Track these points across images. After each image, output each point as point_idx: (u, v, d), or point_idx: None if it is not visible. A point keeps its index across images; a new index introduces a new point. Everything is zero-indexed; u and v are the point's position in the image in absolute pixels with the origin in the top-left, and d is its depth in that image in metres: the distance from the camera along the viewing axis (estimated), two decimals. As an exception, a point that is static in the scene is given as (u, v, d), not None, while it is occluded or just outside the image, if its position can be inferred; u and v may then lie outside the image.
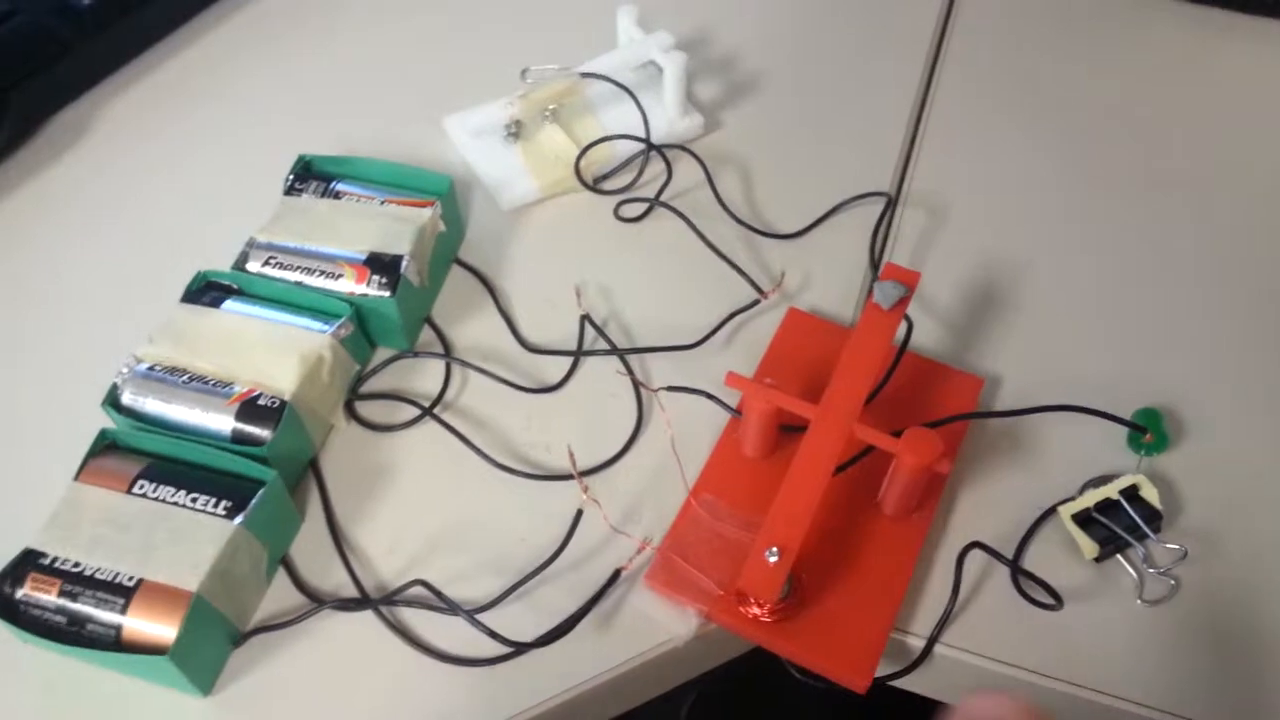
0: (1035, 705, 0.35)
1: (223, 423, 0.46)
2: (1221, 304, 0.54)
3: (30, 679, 0.44)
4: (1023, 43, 0.67)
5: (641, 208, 0.59)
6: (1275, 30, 0.67)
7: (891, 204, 0.58)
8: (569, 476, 0.48)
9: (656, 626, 0.45)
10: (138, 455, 0.46)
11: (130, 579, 0.42)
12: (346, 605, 0.45)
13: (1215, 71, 0.65)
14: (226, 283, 0.52)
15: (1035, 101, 0.64)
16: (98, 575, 0.42)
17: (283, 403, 0.46)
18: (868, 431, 0.44)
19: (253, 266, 0.52)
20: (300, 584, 0.46)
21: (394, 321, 0.51)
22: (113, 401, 0.47)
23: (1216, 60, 0.65)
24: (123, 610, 0.41)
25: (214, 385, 0.47)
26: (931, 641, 0.44)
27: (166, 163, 0.62)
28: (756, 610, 0.43)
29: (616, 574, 0.45)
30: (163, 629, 0.41)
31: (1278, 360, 0.52)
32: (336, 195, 0.55)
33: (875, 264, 0.56)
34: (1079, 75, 0.65)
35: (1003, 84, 0.65)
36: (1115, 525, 0.45)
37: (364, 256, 0.51)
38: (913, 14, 0.69)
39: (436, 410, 0.51)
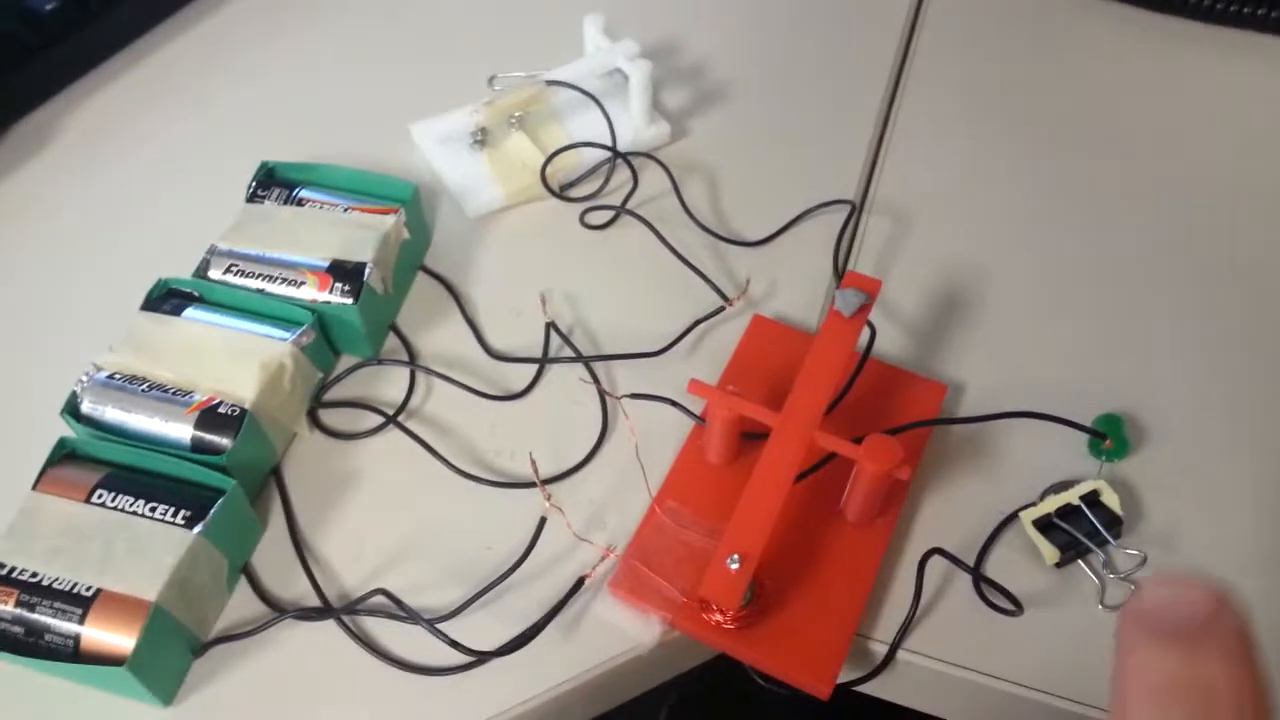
0: (1215, 585, 0.33)
1: (182, 431, 0.46)
2: (1182, 310, 0.55)
3: (-14, 691, 0.43)
4: (988, 51, 0.68)
5: (608, 215, 0.59)
6: (1239, 40, 0.67)
7: (855, 211, 0.58)
8: (533, 484, 0.48)
9: (620, 634, 0.44)
10: (96, 464, 0.46)
11: (88, 589, 0.41)
12: (308, 615, 0.45)
13: (1179, 80, 0.66)
14: (188, 290, 0.51)
15: (1000, 109, 0.64)
16: (55, 585, 0.42)
17: (243, 411, 0.46)
18: (829, 439, 0.44)
19: (214, 274, 0.52)
20: (262, 593, 0.46)
21: (357, 329, 0.51)
22: (71, 410, 0.47)
23: (1181, 69, 0.66)
24: (81, 620, 0.41)
25: (174, 394, 0.47)
26: (894, 647, 0.44)
27: (130, 169, 0.62)
28: (719, 617, 0.43)
29: (580, 582, 0.45)
30: (121, 639, 0.40)
31: (1237, 365, 0.52)
32: (299, 202, 0.55)
33: (839, 271, 0.56)
34: (1044, 83, 0.66)
35: (968, 92, 0.65)
36: (1076, 531, 0.45)
37: (327, 264, 0.51)
38: (879, 22, 0.70)
39: (401, 418, 0.51)
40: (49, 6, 0.63)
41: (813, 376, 0.46)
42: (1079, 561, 0.46)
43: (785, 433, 0.44)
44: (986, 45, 0.68)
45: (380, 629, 0.45)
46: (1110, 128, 0.63)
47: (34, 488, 0.45)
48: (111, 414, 0.47)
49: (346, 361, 0.53)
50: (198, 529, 0.43)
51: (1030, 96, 0.65)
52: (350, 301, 0.50)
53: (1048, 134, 0.63)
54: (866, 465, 0.43)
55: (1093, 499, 0.46)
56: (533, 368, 0.53)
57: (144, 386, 0.47)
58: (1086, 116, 0.64)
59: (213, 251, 0.52)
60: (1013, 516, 0.47)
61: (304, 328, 0.49)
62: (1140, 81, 0.66)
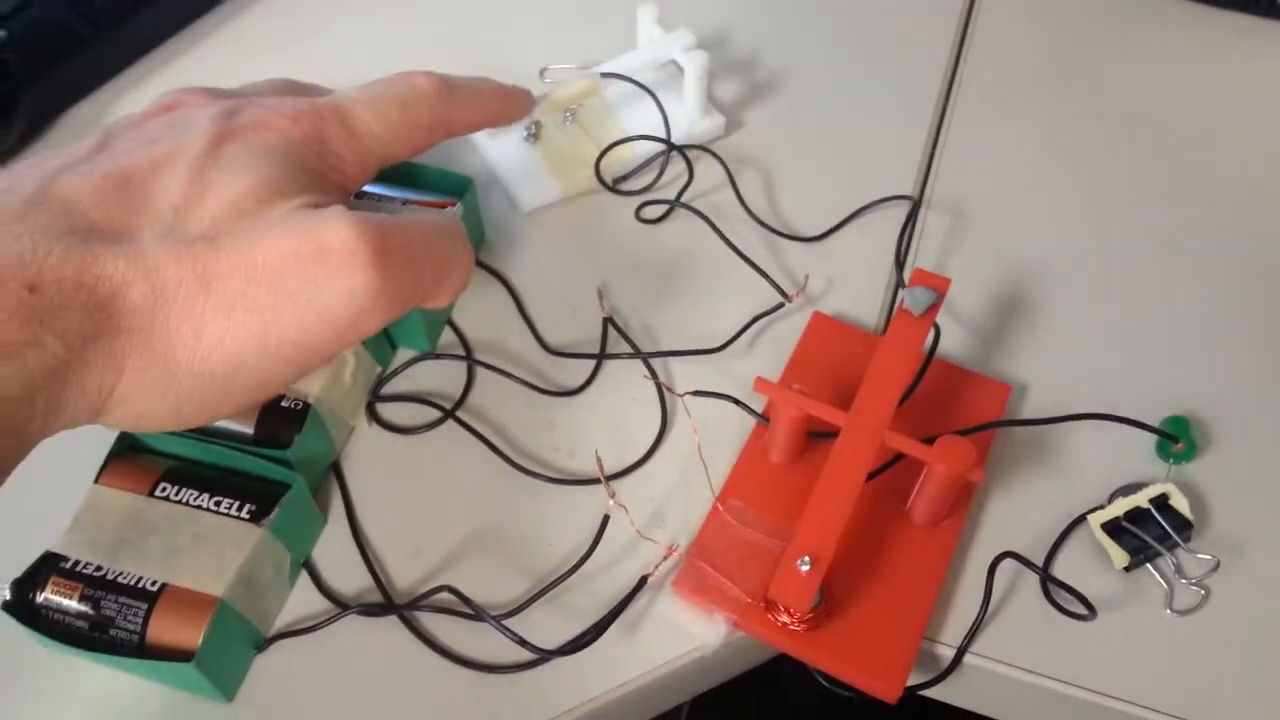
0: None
1: (245, 424, 0.46)
2: (1253, 309, 0.54)
3: (50, 683, 0.43)
4: (1045, 44, 0.67)
5: (662, 209, 0.58)
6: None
7: (916, 207, 0.58)
8: (594, 481, 0.48)
9: (684, 634, 0.44)
10: (159, 457, 0.46)
11: (154, 583, 0.41)
12: (371, 610, 0.44)
13: (1244, 75, 0.64)
14: (246, 282, 0.51)
15: (1059, 104, 0.64)
16: (120, 579, 0.41)
17: (306, 405, 0.46)
18: (899, 439, 0.43)
19: (273, 266, 0.51)
20: (323, 588, 0.46)
21: (415, 323, 0.51)
22: (134, 402, 0.47)
23: (1244, 64, 0.65)
24: (146, 615, 0.41)
25: (237, 387, 0.46)
26: (961, 651, 0.43)
27: (182, 160, 0.62)
28: (786, 619, 0.43)
29: (643, 580, 0.44)
30: (187, 635, 0.40)
31: (1304, 368, 0.52)
32: (357, 195, 0.54)
33: (900, 268, 0.55)
34: (1104, 77, 0.65)
35: (1025, 86, 0.65)
36: (1145, 535, 0.45)
37: (385, 257, 0.51)
38: (934, 12, 0.69)
39: (458, 413, 0.50)
40: (101, -5, 0.63)
41: (882, 376, 0.45)
42: (1148, 565, 0.45)
43: (855, 433, 0.44)
44: (1043, 37, 0.67)
45: (441, 625, 0.44)
46: (1174, 124, 0.62)
47: (96, 481, 0.44)
48: (173, 407, 0.46)
49: (403, 355, 0.53)
50: (264, 524, 0.43)
51: (1092, 90, 0.64)
52: (409, 295, 0.50)
53: (1111, 129, 0.62)
54: (939, 467, 0.42)
55: (1161, 502, 0.46)
56: (590, 363, 0.52)
57: (206, 379, 0.47)
58: (1149, 111, 0.63)
59: (270, 243, 0.52)
60: (1080, 519, 0.46)
61: (364, 321, 0.49)
62: (1203, 77, 0.65)
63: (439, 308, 0.44)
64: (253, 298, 0.36)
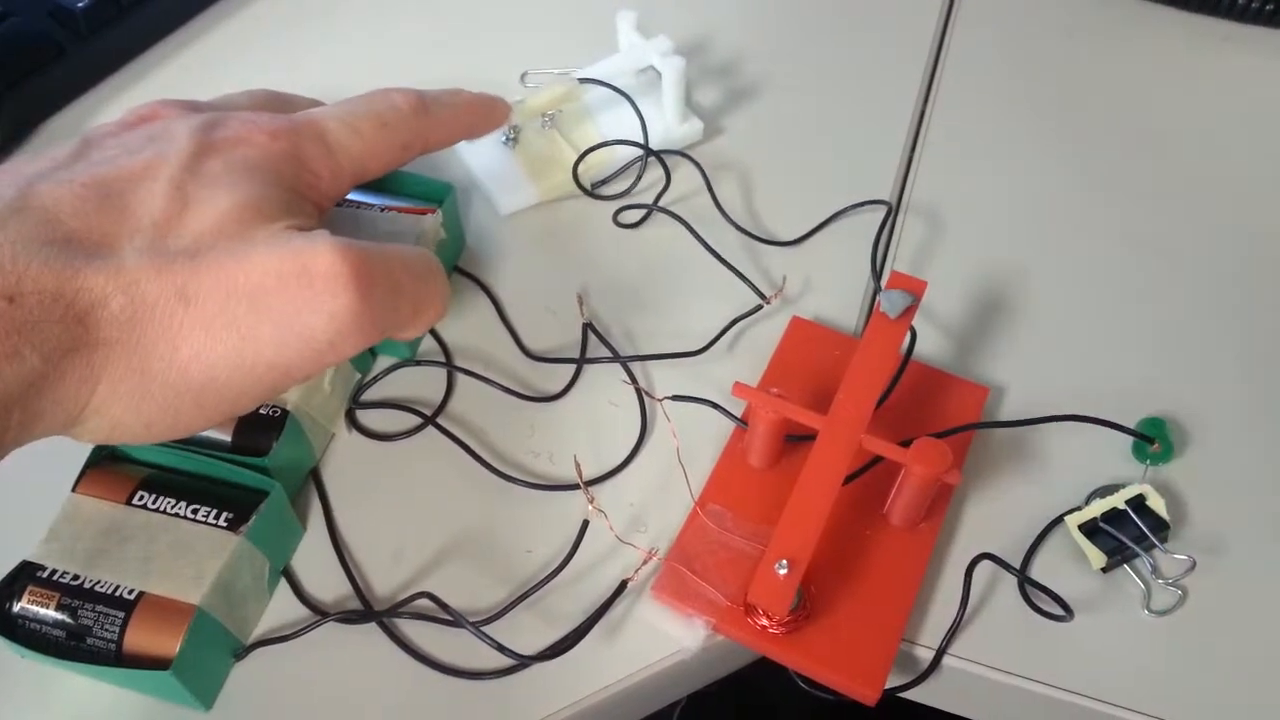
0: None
1: (223, 432, 0.46)
2: (1228, 312, 0.54)
3: (26, 693, 0.43)
4: (1022, 49, 0.67)
5: (640, 213, 0.58)
6: (1274, 39, 0.67)
7: (892, 212, 0.58)
8: (574, 486, 0.48)
9: (664, 638, 0.44)
10: (136, 466, 0.46)
11: (131, 592, 0.41)
12: (350, 618, 0.44)
13: (1219, 80, 0.65)
14: (225, 290, 0.51)
15: (1036, 108, 0.64)
16: (98, 588, 0.41)
17: (284, 412, 0.46)
18: (876, 442, 0.44)
19: (251, 274, 0.51)
20: (302, 596, 0.45)
21: (395, 329, 0.51)
22: (111, 411, 0.46)
23: (1220, 69, 0.66)
24: (123, 624, 0.41)
25: (214, 395, 0.46)
26: (940, 653, 0.43)
27: (161, 168, 0.62)
28: (765, 622, 0.43)
29: (623, 585, 0.44)
30: (165, 643, 0.40)
31: (1278, 365, 0.52)
32: (336, 203, 0.54)
33: (877, 272, 0.55)
34: (1081, 82, 0.65)
35: (1003, 91, 0.65)
36: (1122, 535, 0.45)
37: (364, 264, 0.51)
38: (912, 20, 0.69)
39: (439, 419, 0.51)
40: (80, 4, 0.63)
41: (859, 379, 0.45)
42: (1125, 566, 0.45)
43: (833, 436, 0.44)
44: (1021, 42, 0.68)
45: (420, 632, 0.44)
46: (1149, 127, 0.63)
47: (74, 489, 0.44)
48: (151, 415, 0.46)
49: (383, 362, 0.53)
50: (242, 531, 0.42)
51: (1069, 96, 0.65)
52: (388, 302, 0.50)
53: (1087, 134, 0.62)
54: (916, 469, 0.42)
55: (1138, 503, 0.46)
56: (570, 368, 0.52)
57: (183, 387, 0.47)
58: (1124, 116, 0.63)
59: (249, 251, 0.52)
60: (1058, 521, 0.46)
61: (342, 328, 0.49)
62: (1180, 81, 0.65)
63: (410, 339, 0.44)
64: (232, 314, 0.36)
